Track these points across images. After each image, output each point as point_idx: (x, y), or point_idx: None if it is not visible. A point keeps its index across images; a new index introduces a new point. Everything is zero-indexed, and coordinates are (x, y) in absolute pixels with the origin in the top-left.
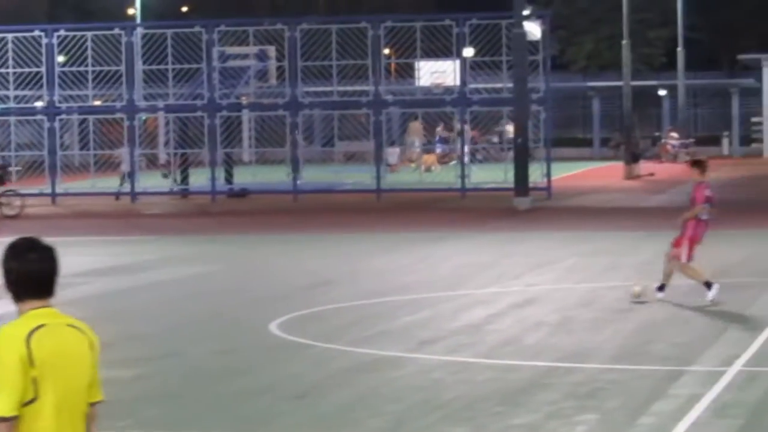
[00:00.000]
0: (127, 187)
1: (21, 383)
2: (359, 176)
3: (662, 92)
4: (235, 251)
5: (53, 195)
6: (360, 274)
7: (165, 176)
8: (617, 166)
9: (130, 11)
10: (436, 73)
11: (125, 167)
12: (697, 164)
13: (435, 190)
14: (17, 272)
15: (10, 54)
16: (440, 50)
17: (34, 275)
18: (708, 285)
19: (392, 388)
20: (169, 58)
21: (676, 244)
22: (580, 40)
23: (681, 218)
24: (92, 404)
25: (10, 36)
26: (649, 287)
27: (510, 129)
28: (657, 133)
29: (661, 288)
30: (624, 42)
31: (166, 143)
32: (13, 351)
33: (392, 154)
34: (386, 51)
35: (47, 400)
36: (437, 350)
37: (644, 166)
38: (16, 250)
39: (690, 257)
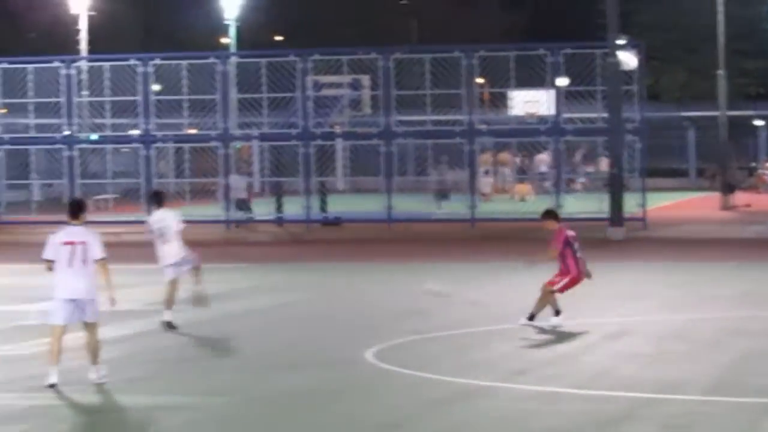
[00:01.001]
0: (243, 215)
1: None
2: (453, 205)
3: (759, 122)
4: (329, 279)
5: (146, 222)
6: (453, 303)
7: (242, 208)
8: (713, 197)
9: (222, 40)
10: (530, 102)
11: (239, 194)
12: (550, 214)
13: (529, 220)
14: None
15: (107, 83)
16: (533, 79)
17: None
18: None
19: (486, 418)
20: (264, 87)
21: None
22: (673, 70)
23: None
24: None
25: (106, 65)
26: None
27: (542, 158)
28: (753, 164)
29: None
30: (719, 72)
31: (255, 172)
32: None
33: (486, 183)
34: (479, 80)
35: None
36: (530, 380)
37: (740, 197)
38: None
39: (563, 291)
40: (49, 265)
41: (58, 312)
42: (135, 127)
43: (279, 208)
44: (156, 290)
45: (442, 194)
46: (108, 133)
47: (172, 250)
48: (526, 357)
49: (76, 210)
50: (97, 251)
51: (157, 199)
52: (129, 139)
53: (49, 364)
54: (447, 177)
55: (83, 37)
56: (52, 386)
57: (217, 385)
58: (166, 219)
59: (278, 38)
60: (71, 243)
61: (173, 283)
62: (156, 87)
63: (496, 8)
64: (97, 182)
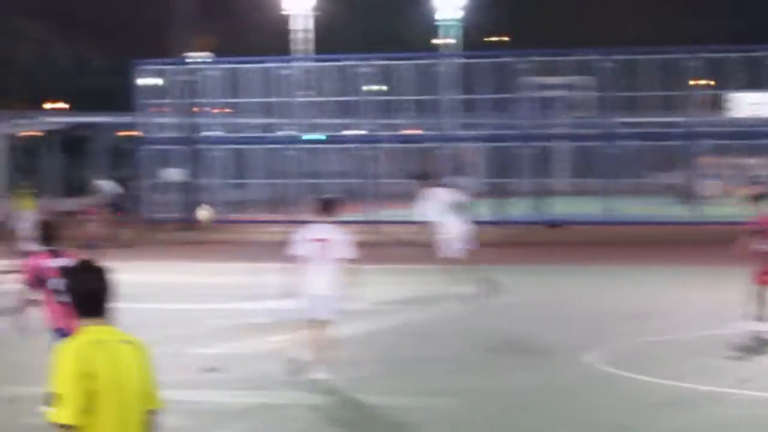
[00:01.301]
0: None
1: (81, 395)
2: (674, 208)
3: None
4: (550, 281)
5: (368, 222)
6: (677, 307)
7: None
8: None
9: (434, 41)
10: (753, 104)
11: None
12: (757, 199)
13: (751, 223)
14: (74, 291)
15: (328, 83)
16: (757, 81)
17: (87, 294)
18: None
19: (714, 424)
20: (483, 88)
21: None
22: None
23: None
24: (149, 412)
25: (324, 65)
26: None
27: (754, 162)
28: None
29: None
30: None
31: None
32: (73, 365)
33: (710, 186)
34: (706, 82)
35: (106, 409)
36: (758, 387)
37: None
38: (72, 271)
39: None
40: (293, 262)
41: (305, 308)
42: (353, 127)
43: (501, 209)
44: (384, 290)
45: (685, 197)
46: (328, 133)
47: (465, 225)
48: (752, 363)
49: (329, 207)
50: (348, 250)
51: (429, 178)
52: (349, 139)
53: (304, 357)
54: (689, 180)
55: (308, 37)
56: (317, 379)
57: (443, 386)
58: (455, 196)
59: (502, 39)
60: (320, 240)
61: (453, 262)
62: (379, 87)
63: (718, 10)
64: (316, 182)
